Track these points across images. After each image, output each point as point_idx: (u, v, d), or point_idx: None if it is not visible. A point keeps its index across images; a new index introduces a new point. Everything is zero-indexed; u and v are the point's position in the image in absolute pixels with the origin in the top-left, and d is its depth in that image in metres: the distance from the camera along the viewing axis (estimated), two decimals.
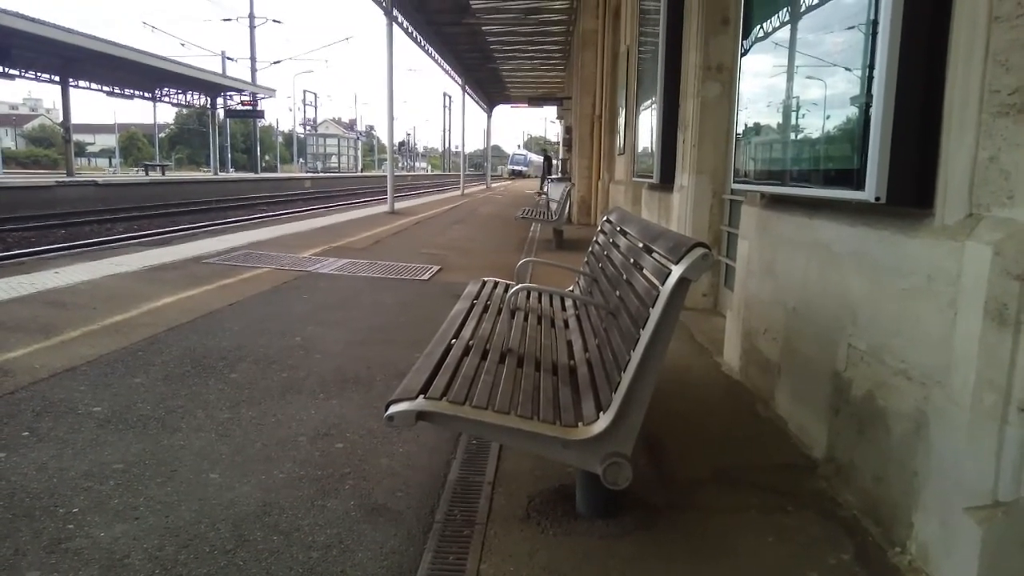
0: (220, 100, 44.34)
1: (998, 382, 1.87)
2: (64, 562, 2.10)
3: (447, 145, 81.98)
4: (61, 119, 33.70)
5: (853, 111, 2.57)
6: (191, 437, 3.06)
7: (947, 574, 2.05)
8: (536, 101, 34.29)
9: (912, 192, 2.29)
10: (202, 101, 44.17)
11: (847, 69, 2.66)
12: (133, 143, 78.44)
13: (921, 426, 2.20)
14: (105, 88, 35.44)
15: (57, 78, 30.28)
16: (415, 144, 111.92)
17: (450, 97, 37.02)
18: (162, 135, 70.32)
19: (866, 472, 2.56)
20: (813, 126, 2.98)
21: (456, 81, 28.89)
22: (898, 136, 2.30)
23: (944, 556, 2.07)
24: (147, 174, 39.12)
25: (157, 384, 3.70)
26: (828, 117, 2.82)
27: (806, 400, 3.16)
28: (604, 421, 2.21)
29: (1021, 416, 1.84)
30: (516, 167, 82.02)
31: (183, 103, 45.45)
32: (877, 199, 2.33)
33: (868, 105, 2.40)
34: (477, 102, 38.51)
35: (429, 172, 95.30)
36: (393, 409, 2.18)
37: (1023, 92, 1.84)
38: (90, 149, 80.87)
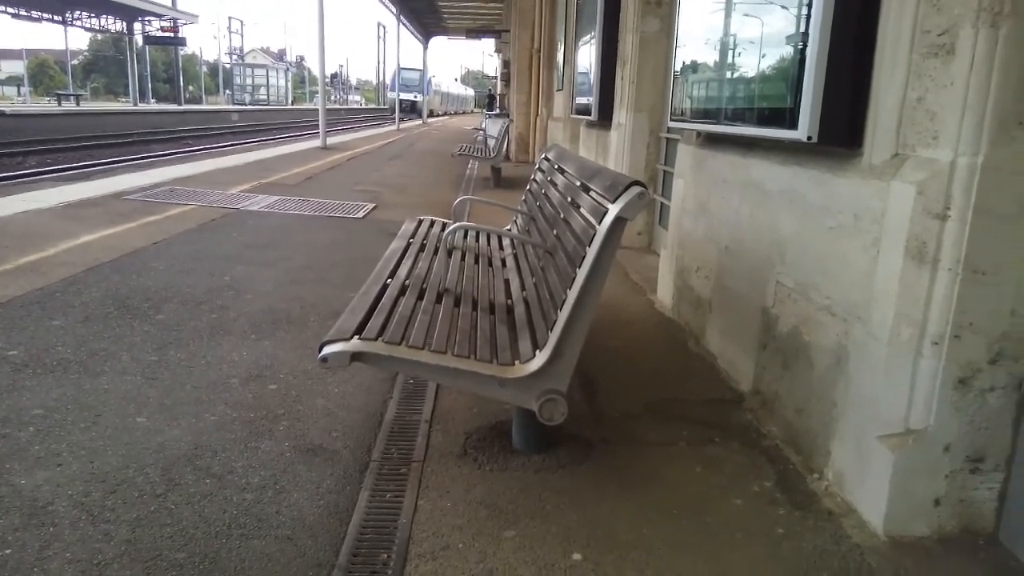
0: (138, 25, 41.79)
1: (915, 317, 1.96)
2: None
3: (381, 78, 79.18)
4: None
5: (789, 50, 2.57)
6: (116, 381, 2.96)
7: (860, 497, 2.17)
8: (474, 33, 33.39)
9: (843, 132, 2.32)
10: (118, 26, 41.56)
11: (784, 7, 2.65)
12: (44, 70, 73.47)
13: (842, 359, 2.29)
14: (10, 9, 32.93)
15: None
16: (348, 76, 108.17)
17: (384, 27, 35.55)
18: (75, 62, 66.09)
19: (789, 404, 2.67)
20: (749, 64, 2.98)
21: (391, 10, 27.77)
22: (832, 76, 2.32)
23: (858, 481, 2.19)
24: (60, 104, 36.87)
25: (78, 326, 3.55)
26: (764, 56, 2.82)
27: (735, 336, 3.26)
28: (540, 359, 2.22)
29: (934, 349, 1.93)
30: (403, 95, 42.23)
31: (97, 28, 42.68)
32: (809, 138, 2.36)
33: (804, 44, 2.40)
34: (413, 33, 37.27)
35: (363, 105, 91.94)
36: (327, 350, 2.14)
37: (952, 33, 1.87)
38: None
